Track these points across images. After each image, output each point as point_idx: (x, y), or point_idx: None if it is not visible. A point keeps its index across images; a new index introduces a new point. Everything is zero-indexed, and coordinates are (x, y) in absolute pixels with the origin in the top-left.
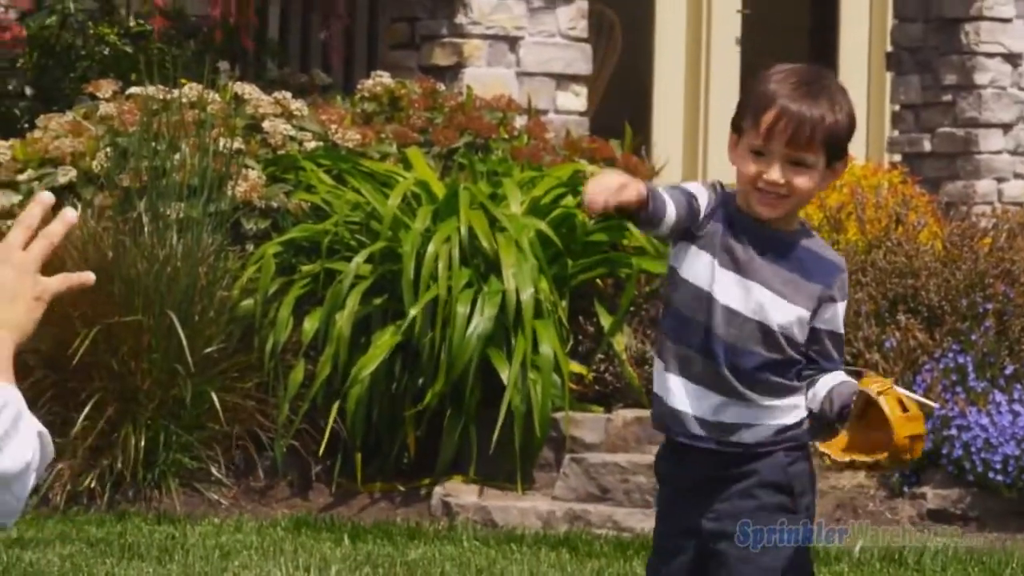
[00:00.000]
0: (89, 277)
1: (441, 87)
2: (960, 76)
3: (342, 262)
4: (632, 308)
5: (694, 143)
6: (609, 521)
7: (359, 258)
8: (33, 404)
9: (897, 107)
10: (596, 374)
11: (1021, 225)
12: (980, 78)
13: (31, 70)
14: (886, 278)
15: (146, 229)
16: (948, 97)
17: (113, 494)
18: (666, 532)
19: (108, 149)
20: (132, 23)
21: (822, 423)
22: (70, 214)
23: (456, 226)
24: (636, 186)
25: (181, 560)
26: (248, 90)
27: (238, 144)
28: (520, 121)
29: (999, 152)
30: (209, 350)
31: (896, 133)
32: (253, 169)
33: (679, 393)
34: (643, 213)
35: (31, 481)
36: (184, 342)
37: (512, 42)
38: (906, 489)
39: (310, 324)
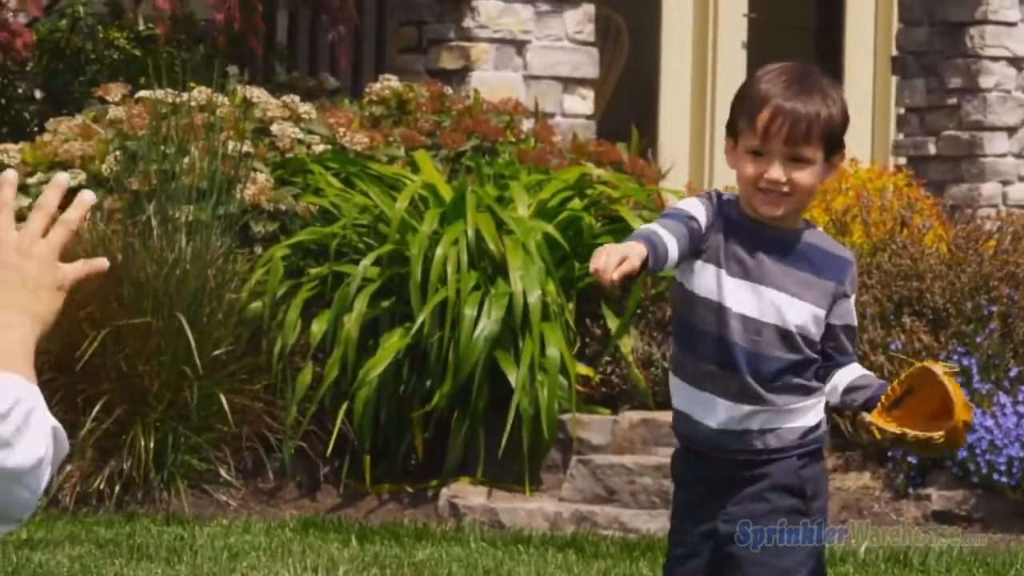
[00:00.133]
0: (103, 263)
1: (448, 91)
2: (965, 80)
3: (350, 265)
4: (639, 311)
5: (700, 146)
6: (615, 522)
7: (367, 261)
8: None
9: (902, 110)
10: (603, 376)
11: None
12: (985, 82)
13: (41, 73)
14: (891, 280)
15: (155, 232)
16: (953, 100)
17: (122, 495)
18: (682, 534)
19: (117, 152)
20: (141, 27)
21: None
22: (87, 196)
23: (463, 229)
24: (636, 252)
25: (190, 561)
26: (257, 94)
27: (247, 147)
28: (527, 124)
29: (1004, 155)
30: (218, 352)
31: (901, 136)
32: (262, 172)
33: (703, 409)
34: (646, 270)
35: (45, 476)
36: (193, 344)
37: (519, 46)
38: (911, 490)
39: (318, 326)
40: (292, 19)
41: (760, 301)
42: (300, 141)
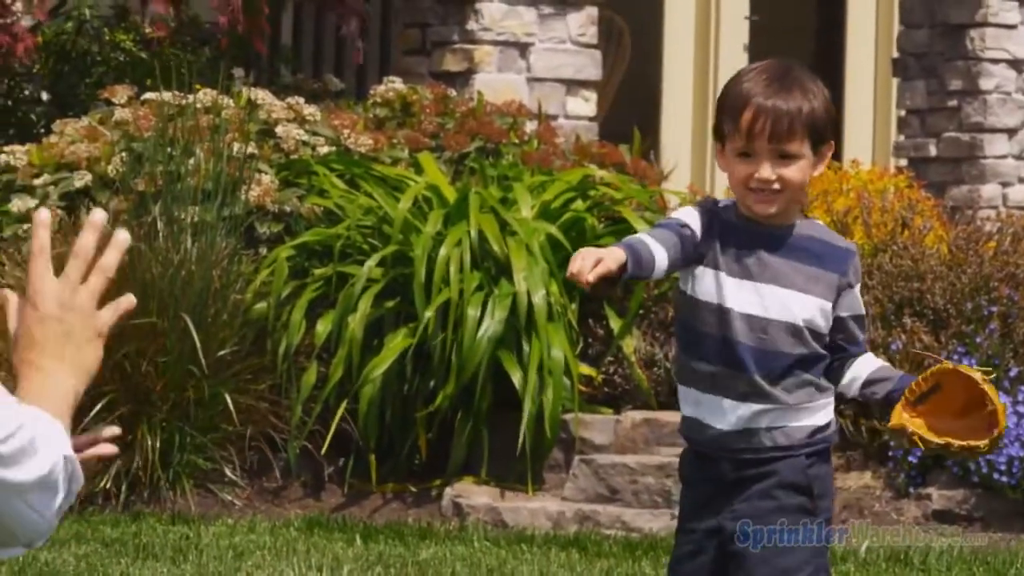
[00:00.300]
0: (131, 301)
1: (452, 93)
2: (965, 82)
3: (354, 265)
4: (641, 311)
5: (702, 147)
6: (618, 522)
7: (371, 262)
8: None
9: (903, 112)
10: (605, 376)
11: None
12: (985, 84)
13: (47, 76)
14: (892, 281)
15: (161, 233)
16: (953, 102)
17: (128, 495)
18: (688, 532)
19: (123, 154)
20: (148, 29)
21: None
22: (122, 238)
23: (467, 230)
24: (612, 256)
25: (195, 560)
26: (262, 96)
27: (252, 149)
28: (530, 126)
29: (1004, 157)
30: (223, 352)
31: (902, 138)
32: (266, 174)
33: (711, 412)
34: (626, 275)
35: (54, 500)
36: (198, 344)
37: (523, 48)
38: (911, 490)
39: (323, 327)
40: (297, 21)
41: (764, 299)
42: (305, 143)
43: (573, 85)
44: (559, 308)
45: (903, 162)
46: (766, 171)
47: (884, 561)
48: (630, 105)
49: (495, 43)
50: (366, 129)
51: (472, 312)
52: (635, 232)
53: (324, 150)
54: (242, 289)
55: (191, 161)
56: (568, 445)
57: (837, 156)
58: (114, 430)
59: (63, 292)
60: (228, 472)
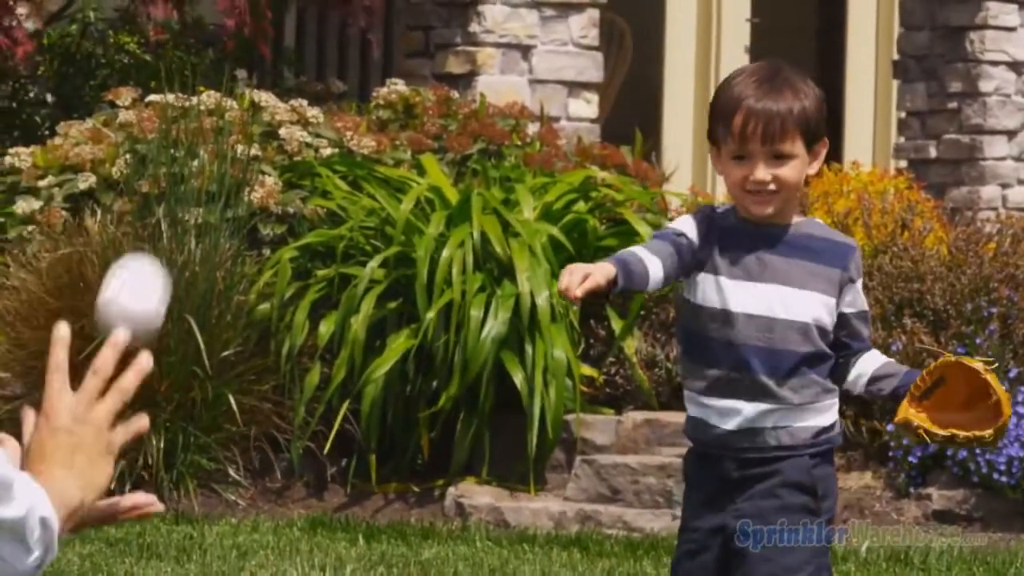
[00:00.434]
0: (145, 424)
1: (455, 95)
2: (965, 84)
3: (357, 267)
4: (642, 312)
5: (704, 149)
6: (619, 521)
7: (374, 263)
8: None
9: (903, 114)
10: (607, 377)
11: None
12: (985, 86)
13: (52, 78)
14: (892, 282)
15: (165, 234)
16: (953, 104)
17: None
18: (691, 530)
19: (127, 156)
20: (151, 32)
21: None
22: (145, 361)
23: (469, 231)
24: (601, 271)
25: (199, 560)
26: (265, 98)
27: (255, 151)
28: (532, 128)
29: (1003, 158)
30: (226, 353)
31: (902, 140)
32: (270, 175)
33: (717, 414)
34: (617, 288)
35: (25, 557)
36: (202, 345)
37: (525, 50)
38: (912, 490)
39: (325, 328)
40: (300, 24)
41: (767, 298)
42: (308, 145)
43: (575, 87)
44: (561, 309)
45: (903, 164)
46: (761, 173)
47: (884, 561)
48: (632, 107)
49: (497, 45)
50: (369, 131)
51: (475, 313)
52: (636, 233)
53: (327, 152)
54: (245, 290)
55: (195, 163)
56: (570, 445)
57: (838, 158)
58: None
59: (78, 406)
60: (232, 472)
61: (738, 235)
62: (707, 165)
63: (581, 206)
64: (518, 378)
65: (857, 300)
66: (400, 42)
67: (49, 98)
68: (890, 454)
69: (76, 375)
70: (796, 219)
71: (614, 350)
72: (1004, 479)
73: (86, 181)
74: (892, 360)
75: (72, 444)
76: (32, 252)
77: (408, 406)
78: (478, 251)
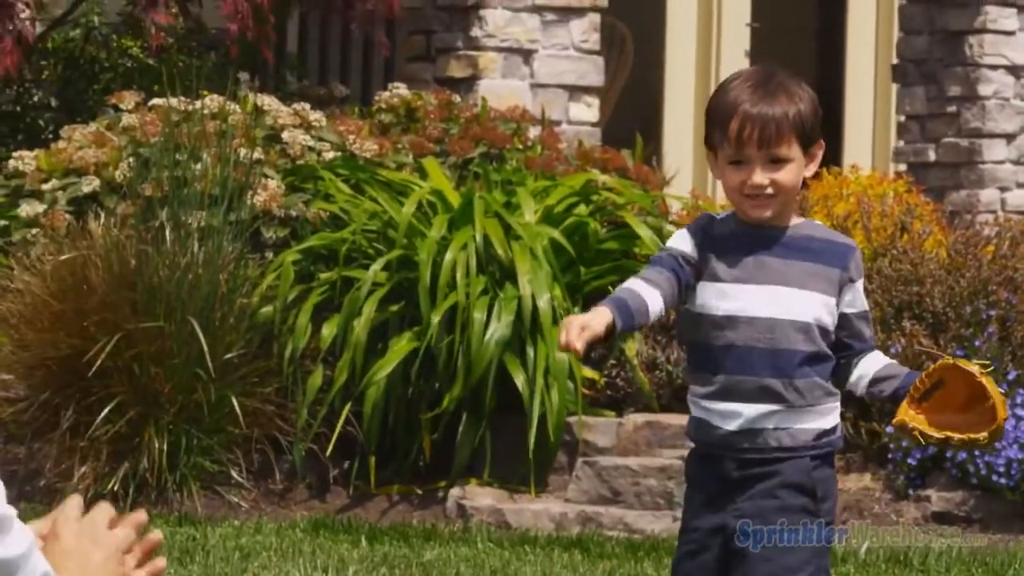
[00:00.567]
0: (162, 566)
1: (457, 99)
2: (964, 88)
3: (359, 270)
4: None
5: (704, 153)
6: (620, 523)
7: (376, 266)
8: (58, 409)
9: (903, 118)
10: (608, 379)
11: (1023, 233)
12: (984, 89)
13: (56, 82)
14: (892, 285)
15: (168, 237)
16: (952, 108)
17: (135, 496)
18: (692, 530)
19: (131, 159)
20: (154, 37)
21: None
22: (155, 537)
23: (472, 234)
24: (599, 319)
25: (202, 561)
26: (268, 102)
27: (258, 154)
28: (534, 132)
29: (1002, 162)
30: (229, 356)
31: (902, 143)
32: (273, 179)
33: (720, 415)
34: (619, 329)
35: None
36: (205, 348)
37: (526, 55)
38: (911, 492)
39: (328, 330)
40: (302, 28)
41: (767, 299)
42: (310, 148)
43: (576, 91)
44: (563, 312)
45: (902, 167)
46: (758, 177)
47: (884, 562)
48: (632, 110)
49: (499, 50)
50: (371, 135)
51: (478, 316)
52: (637, 236)
53: (330, 155)
54: (248, 293)
55: (198, 166)
56: (571, 447)
57: (837, 162)
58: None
59: (88, 528)
60: (234, 474)
61: (737, 239)
62: (707, 169)
63: (582, 209)
64: (520, 380)
65: (857, 300)
66: (402, 47)
67: (53, 102)
68: (889, 456)
69: (78, 376)
70: (795, 221)
71: (615, 352)
72: (1003, 481)
73: (90, 184)
74: (894, 362)
75: (79, 568)
76: (36, 255)
77: (410, 408)
78: (480, 254)
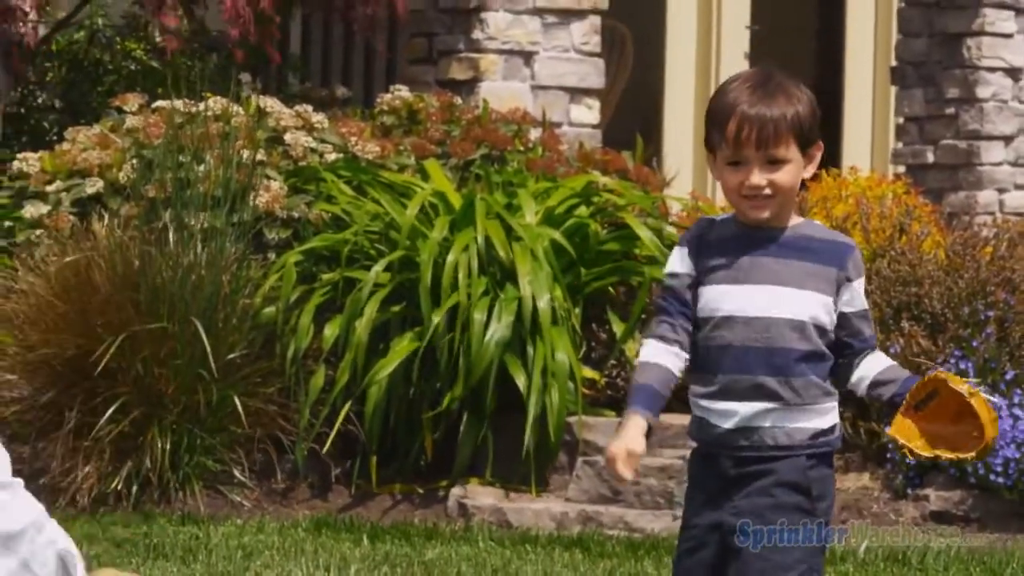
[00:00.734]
0: None
1: (458, 101)
2: (962, 90)
3: (361, 271)
4: (643, 315)
5: (704, 154)
6: (621, 522)
7: (378, 267)
8: (62, 409)
9: (901, 120)
10: (608, 379)
11: (1021, 234)
12: (982, 92)
13: (60, 84)
14: (890, 286)
15: (171, 238)
16: (951, 110)
17: (139, 496)
18: (690, 528)
19: (134, 161)
20: (158, 39)
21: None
22: None
23: (473, 235)
24: (637, 435)
25: (205, 560)
26: (270, 104)
27: (261, 156)
28: (535, 133)
29: (1000, 164)
30: (232, 356)
31: (900, 145)
32: (275, 180)
33: (719, 414)
34: (656, 420)
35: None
36: (208, 348)
37: (527, 57)
38: (909, 491)
39: (330, 331)
40: (305, 31)
41: (763, 299)
42: (313, 150)
43: (577, 93)
44: (563, 312)
45: (901, 169)
46: (756, 178)
47: (882, 561)
48: (633, 112)
49: (500, 52)
50: (373, 136)
51: (479, 316)
52: (637, 237)
53: (332, 157)
54: (251, 294)
55: (201, 168)
56: (572, 447)
57: (836, 163)
58: None
59: None
60: (237, 473)
61: (736, 240)
62: (707, 170)
63: (583, 211)
64: (520, 380)
65: (856, 299)
66: (404, 49)
67: (57, 104)
68: (888, 455)
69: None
70: (794, 221)
71: (615, 353)
72: (1001, 480)
73: (93, 186)
74: (895, 364)
75: None
76: (40, 256)
77: (411, 408)
78: (482, 255)
